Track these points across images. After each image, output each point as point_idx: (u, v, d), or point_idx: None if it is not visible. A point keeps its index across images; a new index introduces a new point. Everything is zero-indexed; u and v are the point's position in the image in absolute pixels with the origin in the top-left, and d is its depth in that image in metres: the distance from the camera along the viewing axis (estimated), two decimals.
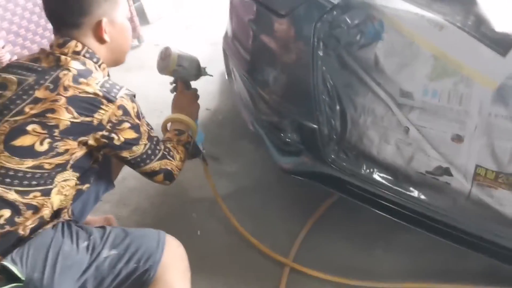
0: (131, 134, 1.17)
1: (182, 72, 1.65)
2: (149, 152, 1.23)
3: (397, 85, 1.20)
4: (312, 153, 1.47)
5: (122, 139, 1.15)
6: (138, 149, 1.21)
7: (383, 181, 1.35)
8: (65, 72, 1.10)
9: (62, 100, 1.06)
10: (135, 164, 1.24)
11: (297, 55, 1.36)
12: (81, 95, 1.08)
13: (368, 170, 1.37)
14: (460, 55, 1.10)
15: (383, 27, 1.18)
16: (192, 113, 1.48)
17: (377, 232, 1.60)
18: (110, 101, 1.11)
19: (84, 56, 1.16)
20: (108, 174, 1.44)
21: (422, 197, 1.30)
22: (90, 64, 1.16)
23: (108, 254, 1.09)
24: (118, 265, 1.08)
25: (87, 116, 1.08)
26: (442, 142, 1.18)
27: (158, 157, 1.26)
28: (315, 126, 1.38)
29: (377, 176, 1.35)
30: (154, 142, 1.24)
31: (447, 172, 1.20)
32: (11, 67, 1.16)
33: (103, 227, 1.16)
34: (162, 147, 1.28)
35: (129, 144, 1.18)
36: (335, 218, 1.69)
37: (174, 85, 1.56)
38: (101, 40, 1.19)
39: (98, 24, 1.17)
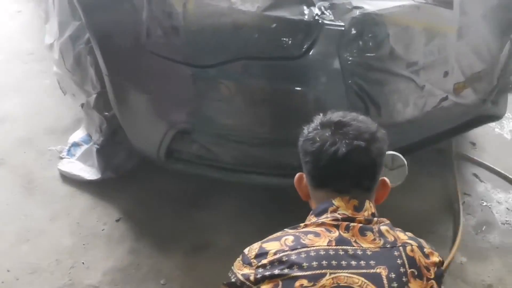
0: None
1: None
2: None
3: (407, 60, 1.54)
4: None
5: None
6: None
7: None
8: (409, 247, 0.94)
9: (435, 284, 0.93)
10: None
11: (325, 83, 1.46)
12: (437, 269, 0.96)
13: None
14: (434, 20, 1.55)
15: (385, 25, 1.47)
16: None
17: None
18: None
19: (376, 217, 0.99)
20: None
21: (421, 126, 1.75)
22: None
23: None
24: None
25: None
26: (440, 81, 1.65)
27: None
28: None
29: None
30: None
31: (445, 98, 1.69)
32: (318, 256, 0.88)
33: None
34: None
35: None
36: None
37: None
38: (379, 200, 1.06)
39: (384, 185, 1.05)
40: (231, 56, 1.41)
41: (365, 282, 0.87)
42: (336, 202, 0.97)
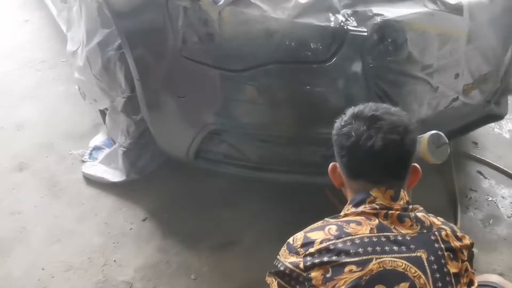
0: None
1: None
2: None
3: (423, 63, 1.65)
4: None
5: None
6: None
7: None
8: (444, 232, 1.01)
9: (468, 265, 1.01)
10: None
11: (348, 85, 1.57)
12: (469, 251, 1.04)
13: None
14: (447, 25, 1.67)
15: (404, 31, 1.58)
16: None
17: None
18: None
19: (410, 204, 1.05)
20: None
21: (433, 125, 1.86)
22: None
23: None
24: None
25: None
26: (451, 83, 1.76)
27: None
28: None
29: None
30: None
31: (456, 99, 1.81)
32: (362, 243, 0.94)
33: None
34: None
35: None
36: None
37: None
38: (410, 185, 1.11)
39: (415, 170, 1.10)
40: (263, 60, 1.49)
41: (408, 265, 0.93)
42: (374, 193, 1.01)
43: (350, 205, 1.05)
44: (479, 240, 1.93)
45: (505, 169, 2.28)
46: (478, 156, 2.36)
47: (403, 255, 0.94)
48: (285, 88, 1.55)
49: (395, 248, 0.94)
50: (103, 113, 2.31)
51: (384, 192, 1.01)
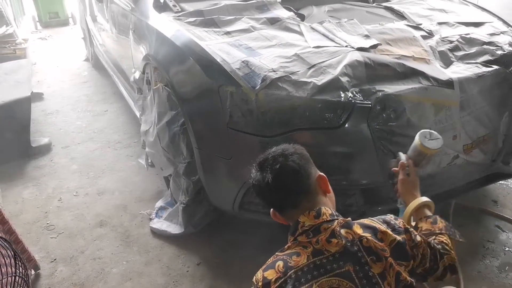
0: None
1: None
2: None
3: (421, 127, 2.02)
4: (375, 203, 2.09)
5: None
6: None
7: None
8: (364, 240, 1.20)
9: (393, 261, 1.19)
10: None
11: (360, 147, 1.97)
12: (394, 245, 1.22)
13: None
14: (440, 97, 2.06)
15: (402, 102, 1.99)
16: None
17: None
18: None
19: (335, 215, 1.26)
20: None
21: (439, 180, 2.18)
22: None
23: None
24: None
25: None
26: (450, 143, 2.11)
27: None
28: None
29: None
30: None
31: (457, 157, 2.14)
32: (303, 273, 1.17)
33: None
34: None
35: None
36: None
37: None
38: (326, 192, 1.33)
39: (321, 179, 1.31)
40: (290, 128, 1.94)
41: (340, 280, 1.14)
42: (301, 219, 1.25)
43: (289, 234, 1.28)
44: (494, 283, 2.15)
45: None
46: (496, 212, 2.60)
47: (335, 272, 1.16)
48: (307, 148, 1.96)
49: (329, 267, 1.16)
50: (167, 179, 2.81)
51: (308, 215, 1.24)
